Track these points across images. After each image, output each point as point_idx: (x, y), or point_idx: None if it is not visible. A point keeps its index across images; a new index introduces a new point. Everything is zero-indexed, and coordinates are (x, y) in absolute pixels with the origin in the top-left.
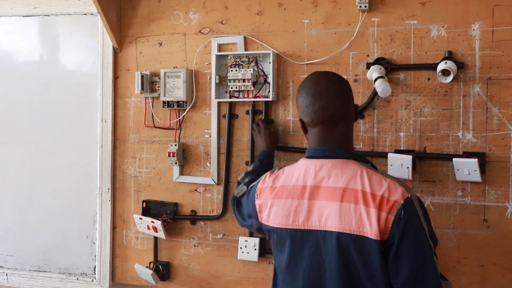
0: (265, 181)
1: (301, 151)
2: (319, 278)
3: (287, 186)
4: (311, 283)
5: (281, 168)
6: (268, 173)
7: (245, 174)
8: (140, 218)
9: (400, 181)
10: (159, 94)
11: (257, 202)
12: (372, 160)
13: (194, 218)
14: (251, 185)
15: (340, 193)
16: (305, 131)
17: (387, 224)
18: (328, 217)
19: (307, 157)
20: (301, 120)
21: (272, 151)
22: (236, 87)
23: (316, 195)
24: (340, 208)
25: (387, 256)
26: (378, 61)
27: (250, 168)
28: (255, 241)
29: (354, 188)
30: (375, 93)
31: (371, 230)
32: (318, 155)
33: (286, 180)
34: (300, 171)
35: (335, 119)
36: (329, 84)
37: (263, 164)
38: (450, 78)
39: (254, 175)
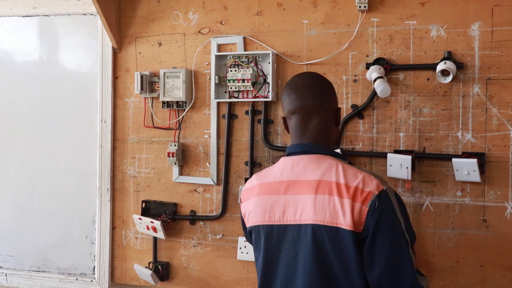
0: (250, 181)
1: None
2: (294, 273)
3: (265, 183)
4: (287, 279)
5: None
6: (254, 175)
7: None
8: (140, 218)
9: (375, 175)
10: (159, 94)
11: (242, 207)
12: (371, 160)
13: (193, 218)
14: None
15: (314, 185)
16: (287, 129)
17: (361, 215)
18: (303, 210)
19: (287, 155)
20: (283, 118)
21: None
22: (235, 87)
23: (291, 190)
24: (314, 200)
25: (362, 249)
26: (378, 61)
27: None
28: None
29: (329, 180)
30: (374, 93)
31: (344, 221)
32: (296, 150)
33: (264, 177)
34: (278, 168)
35: (309, 110)
36: (306, 78)
37: None
38: (450, 78)
39: None
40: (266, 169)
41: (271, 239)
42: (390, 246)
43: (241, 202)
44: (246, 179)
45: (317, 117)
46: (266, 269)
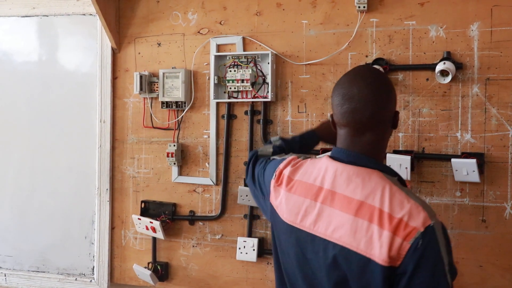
0: (287, 166)
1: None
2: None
3: (303, 182)
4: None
5: (306, 158)
6: (293, 158)
7: (280, 138)
8: (139, 219)
9: (424, 204)
10: (158, 95)
11: (272, 182)
12: None
13: (192, 218)
14: (274, 157)
15: (356, 206)
16: (335, 128)
17: (401, 251)
18: (337, 227)
19: (331, 157)
20: (331, 116)
21: (319, 135)
22: (234, 88)
23: (330, 201)
24: (352, 222)
25: (395, 285)
26: (377, 61)
27: (288, 137)
28: (254, 241)
29: (372, 204)
30: None
31: (379, 254)
32: (342, 158)
33: (304, 175)
34: (320, 171)
35: (363, 126)
36: (362, 86)
37: (302, 140)
38: (449, 78)
39: (286, 146)
40: (306, 164)
41: (299, 244)
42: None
43: (275, 175)
44: (245, 180)
45: (374, 132)
46: (287, 273)
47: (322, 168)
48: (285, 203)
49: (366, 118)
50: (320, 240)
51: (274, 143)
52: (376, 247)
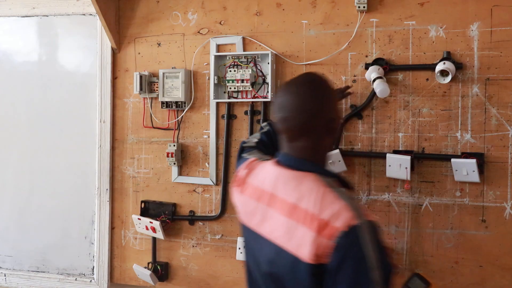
0: (245, 168)
1: None
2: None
3: (253, 185)
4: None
5: (265, 160)
6: (252, 160)
7: (268, 122)
8: (139, 219)
9: (354, 205)
10: (158, 95)
11: (238, 175)
12: (370, 160)
13: (192, 218)
14: (244, 155)
15: (289, 208)
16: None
17: (326, 249)
18: (275, 228)
19: (277, 161)
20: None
21: None
22: (234, 88)
23: (271, 203)
24: (286, 224)
25: (324, 282)
26: (377, 61)
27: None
28: None
29: (303, 207)
30: (373, 94)
31: (306, 253)
32: (283, 162)
33: (255, 178)
34: (266, 174)
35: (296, 133)
36: (294, 96)
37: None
38: (449, 78)
39: (273, 129)
40: (259, 167)
41: (249, 241)
42: (350, 286)
43: (239, 169)
44: None
45: (306, 138)
46: (248, 269)
47: (268, 172)
48: (240, 203)
49: (296, 126)
50: (263, 239)
51: (262, 130)
52: (304, 246)
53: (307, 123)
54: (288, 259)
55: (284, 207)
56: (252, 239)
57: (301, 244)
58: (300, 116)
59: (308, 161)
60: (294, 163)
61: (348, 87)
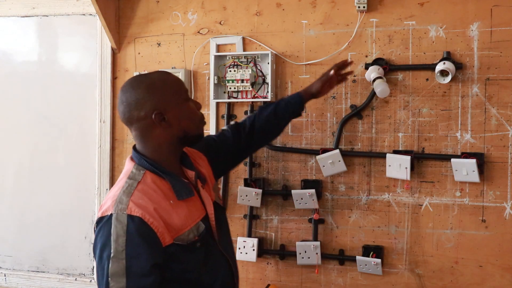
0: None
1: (299, 152)
2: None
3: None
4: None
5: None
6: None
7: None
8: None
9: (121, 197)
10: None
11: None
12: (370, 160)
13: None
14: None
15: None
16: None
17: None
18: None
19: None
20: None
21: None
22: (234, 88)
23: None
24: None
25: None
26: (377, 61)
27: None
28: (254, 241)
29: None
30: (373, 94)
31: None
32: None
33: None
34: None
35: (126, 123)
36: (120, 92)
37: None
38: (449, 78)
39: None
40: None
41: None
42: (96, 268)
43: None
44: (245, 180)
45: (133, 128)
46: None
47: None
48: None
49: (121, 116)
50: None
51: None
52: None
53: (126, 114)
54: None
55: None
56: None
57: None
58: (121, 107)
59: (136, 151)
60: (132, 154)
61: (345, 62)
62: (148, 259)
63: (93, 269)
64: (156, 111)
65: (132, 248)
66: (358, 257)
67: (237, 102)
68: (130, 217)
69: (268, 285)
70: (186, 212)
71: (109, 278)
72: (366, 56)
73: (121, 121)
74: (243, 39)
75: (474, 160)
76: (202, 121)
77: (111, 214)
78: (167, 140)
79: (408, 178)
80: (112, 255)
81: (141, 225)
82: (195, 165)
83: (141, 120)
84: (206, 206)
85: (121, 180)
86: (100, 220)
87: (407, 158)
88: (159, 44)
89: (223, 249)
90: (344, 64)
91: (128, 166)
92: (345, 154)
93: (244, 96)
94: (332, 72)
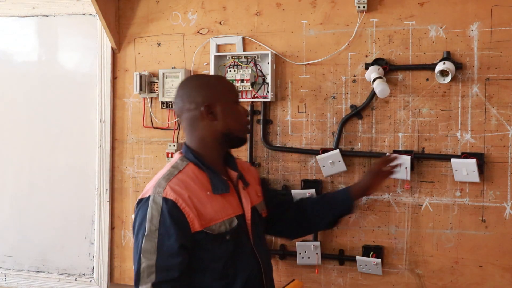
0: None
1: (299, 152)
2: None
3: None
4: None
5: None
6: None
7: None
8: None
9: (160, 181)
10: (158, 95)
11: None
12: (370, 160)
13: None
14: None
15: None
16: None
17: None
18: None
19: None
20: None
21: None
22: None
23: None
24: None
25: None
26: (377, 61)
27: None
28: None
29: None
30: (373, 94)
31: None
32: None
33: None
34: None
35: (177, 115)
36: (178, 87)
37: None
38: (449, 78)
39: None
40: None
41: None
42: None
43: None
44: None
45: (182, 119)
46: None
47: None
48: None
49: (175, 109)
50: None
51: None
52: None
53: (178, 105)
54: None
55: None
56: None
57: None
58: (176, 100)
59: (185, 144)
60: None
61: (388, 159)
62: (177, 239)
63: (93, 269)
64: (205, 104)
65: (164, 228)
66: (358, 257)
67: None
68: (165, 199)
69: (293, 280)
70: (221, 205)
71: (141, 255)
72: (366, 56)
73: (175, 113)
74: (243, 39)
75: (474, 160)
76: (247, 126)
77: (149, 196)
78: (211, 134)
79: (408, 178)
80: (146, 233)
81: (174, 208)
82: (240, 169)
83: (191, 111)
84: (244, 206)
85: (166, 168)
86: (140, 201)
87: (407, 158)
88: (159, 44)
89: (257, 250)
90: (389, 160)
91: (175, 157)
92: (345, 154)
93: (244, 96)
94: (378, 167)
